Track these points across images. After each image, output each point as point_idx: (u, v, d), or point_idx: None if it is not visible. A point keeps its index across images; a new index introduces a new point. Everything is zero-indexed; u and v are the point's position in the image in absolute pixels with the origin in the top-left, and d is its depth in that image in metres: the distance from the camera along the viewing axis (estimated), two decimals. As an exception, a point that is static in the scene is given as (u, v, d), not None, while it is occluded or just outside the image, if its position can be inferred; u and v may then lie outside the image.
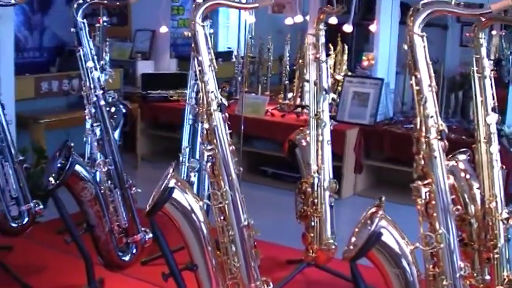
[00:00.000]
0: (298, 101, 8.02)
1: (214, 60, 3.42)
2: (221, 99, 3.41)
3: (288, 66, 8.21)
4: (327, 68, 4.51)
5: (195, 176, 4.78)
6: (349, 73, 8.03)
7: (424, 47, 3.00)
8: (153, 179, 6.83)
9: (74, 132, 7.29)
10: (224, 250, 3.48)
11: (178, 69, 9.32)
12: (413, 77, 3.03)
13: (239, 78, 8.01)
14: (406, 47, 3.04)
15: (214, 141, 3.39)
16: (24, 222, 4.74)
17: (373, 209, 3.18)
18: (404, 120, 7.57)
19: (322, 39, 4.51)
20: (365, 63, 7.79)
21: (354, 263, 3.08)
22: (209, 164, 3.42)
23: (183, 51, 10.16)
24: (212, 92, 3.39)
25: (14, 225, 4.72)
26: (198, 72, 3.39)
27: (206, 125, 3.39)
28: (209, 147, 3.40)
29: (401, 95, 7.97)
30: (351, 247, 3.10)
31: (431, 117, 2.97)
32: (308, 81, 7.77)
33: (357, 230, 3.18)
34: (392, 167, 7.41)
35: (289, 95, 8.13)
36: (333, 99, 4.50)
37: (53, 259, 5.13)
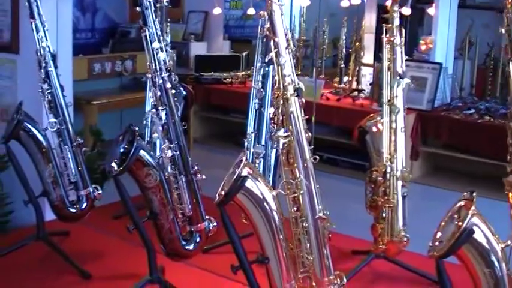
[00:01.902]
0: (354, 84, 7.78)
1: (291, 42, 3.19)
2: (298, 84, 3.18)
3: (343, 49, 7.94)
4: (402, 51, 4.22)
5: (259, 162, 4.53)
6: (406, 57, 7.74)
7: (524, 29, 2.75)
8: (206, 161, 6.69)
9: (126, 114, 7.23)
10: (297, 242, 3.28)
11: (231, 51, 9.15)
12: (510, 63, 2.78)
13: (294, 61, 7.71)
14: (503, 30, 2.80)
15: (290, 127, 3.17)
16: (82, 208, 4.61)
17: (462, 203, 2.96)
18: (463, 106, 7.31)
19: (397, 22, 4.23)
20: (423, 47, 7.51)
21: (441, 261, 2.85)
22: (284, 151, 3.20)
23: (235, 33, 10.01)
24: (289, 75, 3.17)
25: (72, 210, 4.58)
26: (274, 54, 3.16)
27: (282, 111, 3.17)
28: (285, 133, 3.17)
29: (460, 81, 7.65)
30: (437, 243, 2.91)
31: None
32: (365, 64, 7.75)
33: (442, 224, 2.98)
34: (450, 154, 7.21)
35: (345, 78, 7.88)
36: (407, 84, 4.20)
37: (110, 245, 4.94)
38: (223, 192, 3.13)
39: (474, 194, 2.87)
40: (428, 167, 7.46)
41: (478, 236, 2.79)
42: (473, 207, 2.80)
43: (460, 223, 2.85)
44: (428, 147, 7.31)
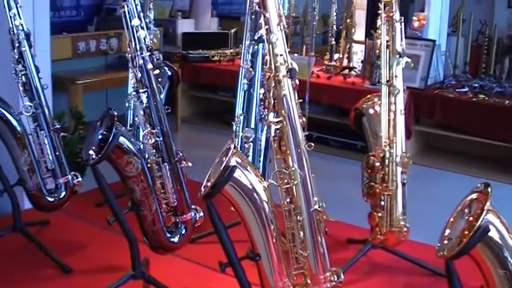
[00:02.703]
0: (345, 62, 7.45)
1: (283, 18, 2.82)
2: (291, 64, 2.85)
3: (334, 26, 7.57)
4: (401, 28, 3.83)
5: (249, 146, 4.16)
6: (398, 34, 7.40)
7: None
8: (194, 141, 6.30)
9: (112, 94, 6.92)
10: (290, 237, 3.00)
11: (219, 29, 8.87)
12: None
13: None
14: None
15: (283, 112, 2.86)
16: (61, 196, 4.29)
17: (474, 196, 2.63)
18: (456, 84, 6.96)
19: (396, -4, 3.84)
20: (415, 24, 7.13)
21: (451, 262, 2.56)
22: (276, 138, 2.90)
23: (223, 10, 9.71)
24: (281, 55, 2.84)
25: (50, 199, 4.26)
26: (265, 32, 2.83)
27: (273, 94, 2.86)
28: (276, 119, 2.86)
29: (454, 58, 7.29)
30: (445, 241, 2.61)
31: None
32: (356, 41, 7.39)
33: (451, 220, 2.66)
34: (443, 133, 6.87)
35: (336, 55, 7.53)
36: (407, 63, 3.82)
37: (92, 235, 4.61)
38: (209, 184, 2.83)
39: (489, 187, 2.52)
40: (420, 146, 7.16)
41: (493, 234, 2.49)
42: (488, 203, 2.45)
43: (471, 218, 2.55)
44: (421, 126, 6.98)
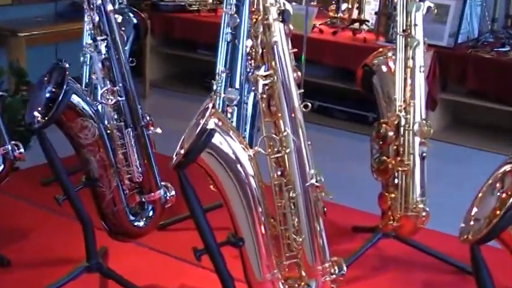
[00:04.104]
0: (355, 14, 7.51)
1: None
2: (284, 4, 2.94)
3: (342, -31, 7.67)
4: (422, -34, 3.92)
5: (233, 111, 4.24)
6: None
7: None
8: (166, 110, 6.37)
9: (64, 49, 6.97)
10: (281, 218, 3.07)
11: None
12: None
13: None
14: None
15: (273, 64, 2.93)
16: None
17: (507, 168, 2.70)
18: (495, 42, 7.06)
19: None
20: (445, -34, 7.22)
21: (478, 247, 2.59)
22: (264, 96, 2.97)
23: None
24: None
25: (-17, 176, 4.30)
26: None
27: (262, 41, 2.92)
28: (265, 72, 2.93)
29: (492, 9, 7.36)
30: (471, 222, 2.66)
31: None
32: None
33: (480, 196, 2.71)
34: (476, 102, 6.96)
35: (344, 6, 7.60)
36: (429, 8, 3.89)
37: (37, 220, 4.71)
38: (182, 151, 2.90)
39: (525, 157, 2.61)
40: (448, 119, 7.29)
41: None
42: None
43: (504, 195, 2.62)
44: (449, 94, 7.09)
